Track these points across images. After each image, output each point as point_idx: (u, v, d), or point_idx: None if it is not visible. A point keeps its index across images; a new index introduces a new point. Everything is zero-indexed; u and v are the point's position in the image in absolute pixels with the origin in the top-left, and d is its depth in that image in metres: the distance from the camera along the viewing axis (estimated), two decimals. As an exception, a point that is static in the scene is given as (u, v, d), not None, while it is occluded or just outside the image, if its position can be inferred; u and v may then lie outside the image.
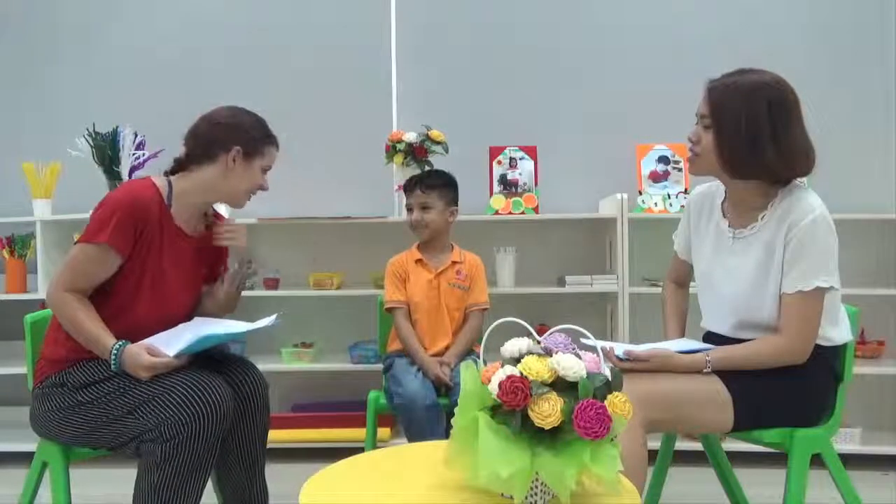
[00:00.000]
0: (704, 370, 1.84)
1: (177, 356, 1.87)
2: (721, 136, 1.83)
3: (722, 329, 1.96)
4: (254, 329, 2.02)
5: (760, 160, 1.80)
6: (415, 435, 2.42)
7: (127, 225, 1.88)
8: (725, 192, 1.99)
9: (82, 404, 1.86)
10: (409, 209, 2.74)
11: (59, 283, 1.90)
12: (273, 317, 2.03)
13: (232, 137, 2.01)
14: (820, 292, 1.81)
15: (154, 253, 1.94)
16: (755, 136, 1.79)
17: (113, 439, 1.86)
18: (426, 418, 2.41)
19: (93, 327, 1.87)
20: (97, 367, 1.88)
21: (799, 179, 1.90)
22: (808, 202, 1.82)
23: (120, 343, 1.85)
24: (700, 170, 1.92)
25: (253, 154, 2.04)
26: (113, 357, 1.84)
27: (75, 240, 1.94)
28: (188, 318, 2.07)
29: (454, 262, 2.73)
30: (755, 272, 1.87)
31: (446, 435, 2.40)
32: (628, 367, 1.81)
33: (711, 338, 2.00)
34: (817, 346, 1.85)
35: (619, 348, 1.87)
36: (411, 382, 2.47)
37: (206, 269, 2.14)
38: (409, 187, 2.76)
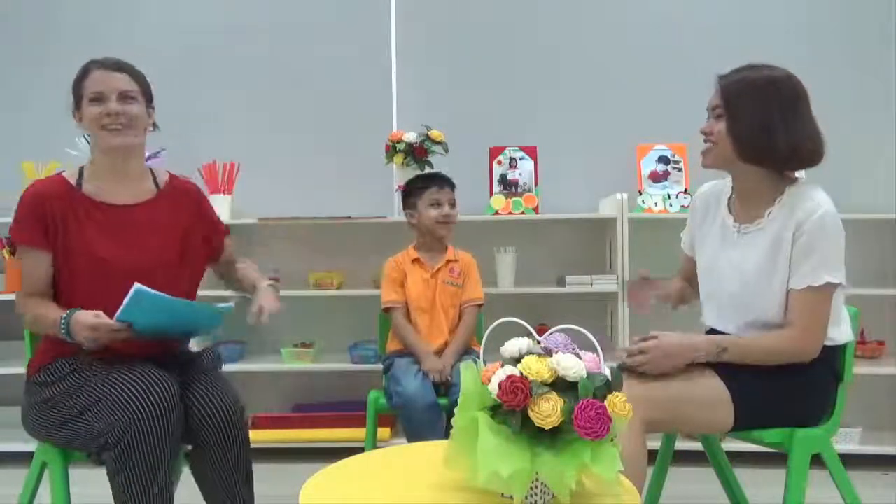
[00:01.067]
0: (716, 350, 1.83)
1: (120, 321, 1.78)
2: (733, 121, 1.86)
3: (724, 325, 1.96)
4: (208, 311, 1.91)
5: (772, 142, 1.82)
6: (414, 435, 2.42)
7: (30, 219, 1.91)
8: (733, 188, 2.00)
9: (45, 401, 1.87)
10: (436, 204, 2.73)
11: (18, 298, 1.96)
12: (231, 304, 1.95)
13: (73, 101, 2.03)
14: (829, 288, 1.81)
15: (77, 236, 1.91)
16: (766, 119, 1.82)
17: (74, 440, 1.84)
18: (426, 418, 2.41)
19: (44, 311, 1.88)
20: (58, 366, 1.89)
21: (802, 174, 1.91)
22: (816, 199, 1.83)
23: (68, 312, 1.82)
24: (714, 160, 1.93)
25: (78, 99, 2.01)
26: (63, 325, 1.81)
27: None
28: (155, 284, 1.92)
29: (449, 261, 2.75)
30: (760, 267, 1.87)
31: (446, 435, 2.41)
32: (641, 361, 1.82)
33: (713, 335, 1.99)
34: None
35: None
36: (410, 382, 2.47)
37: (169, 235, 2.02)
38: (434, 184, 2.75)
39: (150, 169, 2.10)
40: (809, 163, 1.88)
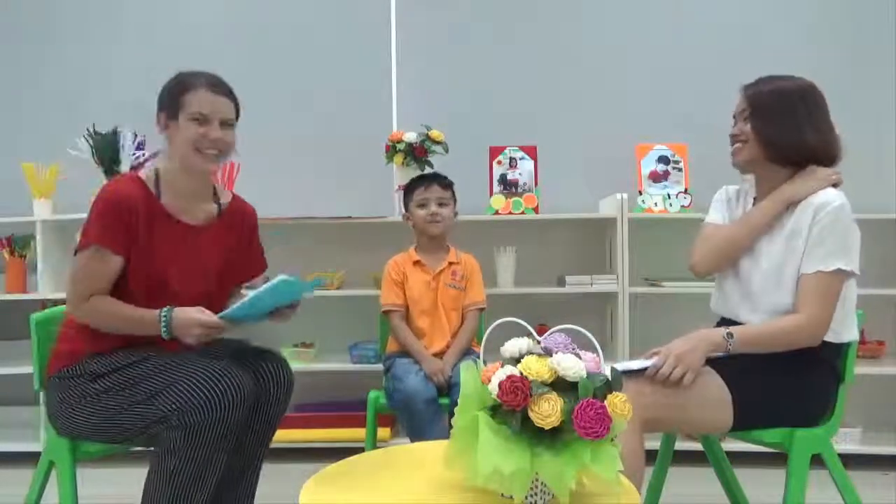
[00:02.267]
0: (728, 347, 1.83)
1: (223, 318, 1.85)
2: (761, 121, 1.91)
3: (739, 313, 1.96)
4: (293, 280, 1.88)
5: (800, 138, 1.88)
6: (415, 431, 2.43)
7: (114, 223, 1.86)
8: (756, 191, 2.02)
9: (100, 392, 1.85)
10: (423, 205, 2.73)
11: (76, 298, 1.89)
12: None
13: (159, 108, 1.97)
14: (840, 275, 1.82)
15: (150, 246, 1.91)
16: (793, 119, 1.88)
17: (129, 427, 1.83)
18: (427, 414, 2.42)
19: (132, 310, 1.87)
20: (115, 357, 1.88)
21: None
22: (833, 192, 1.87)
23: (166, 309, 1.85)
24: (744, 158, 1.96)
25: (175, 110, 1.94)
26: (163, 320, 1.84)
27: (74, 251, 1.92)
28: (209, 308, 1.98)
29: (451, 264, 2.74)
30: (778, 256, 1.89)
31: (447, 432, 2.41)
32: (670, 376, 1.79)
33: (726, 324, 1.99)
34: (821, 343, 1.85)
35: (636, 364, 1.85)
36: (412, 379, 2.48)
37: (222, 259, 2.06)
38: (423, 183, 2.77)
39: (214, 186, 2.10)
40: (834, 158, 1.92)
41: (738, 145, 1.96)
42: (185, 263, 1.97)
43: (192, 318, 1.84)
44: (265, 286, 1.85)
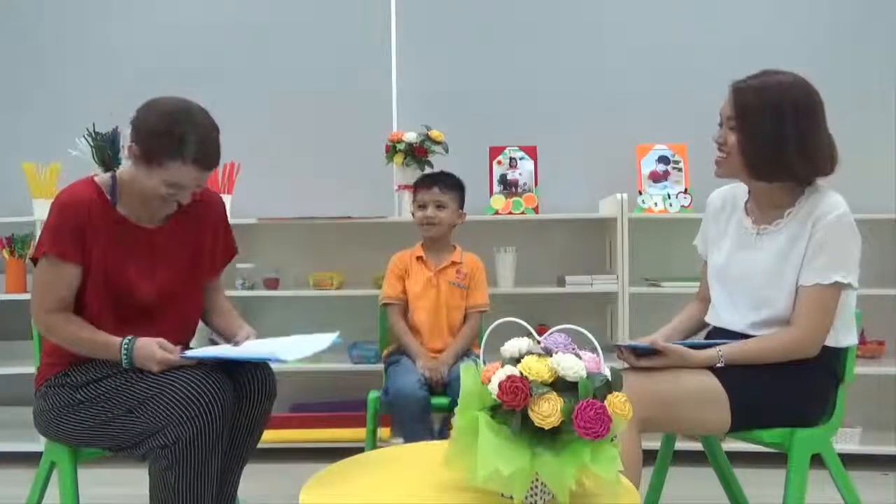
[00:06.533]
0: (718, 364, 1.84)
1: (185, 357, 1.83)
2: (746, 138, 1.85)
3: (734, 323, 1.95)
4: (299, 353, 1.84)
5: (784, 162, 1.82)
6: (405, 429, 2.44)
7: (65, 229, 1.82)
8: (749, 192, 2.00)
9: (81, 402, 1.85)
10: (422, 206, 2.74)
11: (37, 308, 1.87)
12: (334, 335, 1.95)
13: (135, 131, 1.83)
14: (837, 287, 1.82)
15: (103, 250, 1.87)
16: (780, 138, 1.81)
17: (113, 440, 1.84)
18: (415, 412, 2.42)
19: (92, 335, 1.85)
20: (96, 366, 1.87)
21: (821, 180, 1.91)
22: (834, 200, 1.84)
23: (129, 338, 1.83)
24: (726, 172, 1.93)
25: (149, 160, 1.80)
26: (124, 351, 1.81)
27: (33, 261, 1.89)
28: (162, 311, 1.96)
29: (454, 262, 2.74)
30: (774, 264, 1.88)
31: (433, 432, 2.43)
32: (645, 365, 1.82)
33: (719, 334, 1.99)
34: (820, 348, 1.85)
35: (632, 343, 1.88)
36: (405, 379, 2.48)
37: (188, 253, 2.02)
38: (424, 184, 2.77)
39: None
40: (822, 175, 1.88)
41: (720, 156, 1.91)
42: (146, 265, 1.94)
43: (151, 353, 1.81)
44: (250, 353, 1.86)
